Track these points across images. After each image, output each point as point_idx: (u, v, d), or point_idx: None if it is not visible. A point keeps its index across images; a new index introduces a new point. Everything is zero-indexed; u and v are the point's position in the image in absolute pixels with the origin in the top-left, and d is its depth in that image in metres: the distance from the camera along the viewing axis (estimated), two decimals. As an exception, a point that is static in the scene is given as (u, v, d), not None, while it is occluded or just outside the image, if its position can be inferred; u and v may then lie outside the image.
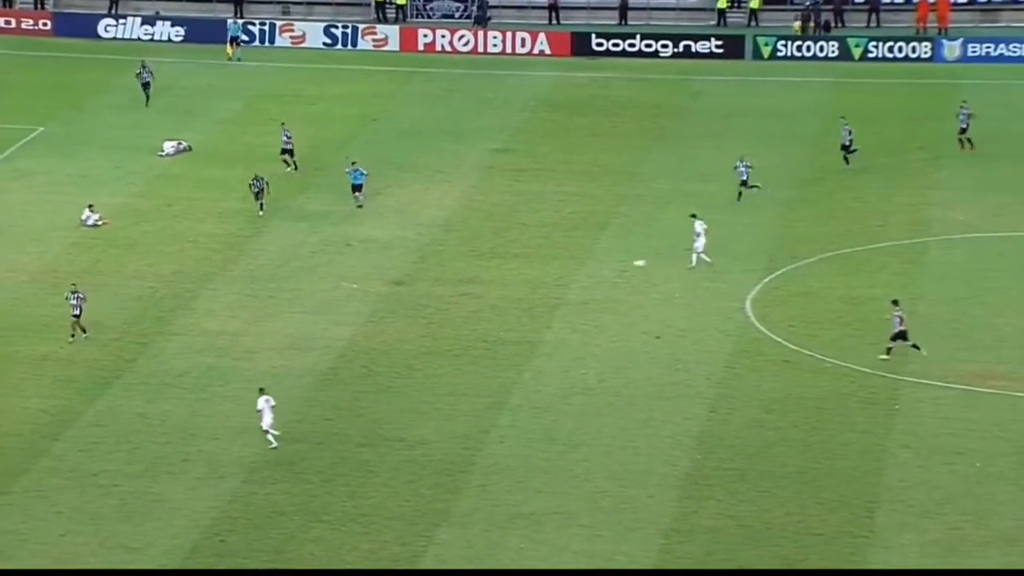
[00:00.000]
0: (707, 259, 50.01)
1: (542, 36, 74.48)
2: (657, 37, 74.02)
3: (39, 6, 76.42)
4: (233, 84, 69.64)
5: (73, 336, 44.53)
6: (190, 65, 71.89)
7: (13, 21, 75.01)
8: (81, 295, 44.77)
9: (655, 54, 73.69)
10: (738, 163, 55.38)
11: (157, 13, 75.73)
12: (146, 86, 64.52)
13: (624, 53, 73.69)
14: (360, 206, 54.69)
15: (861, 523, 36.79)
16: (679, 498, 37.90)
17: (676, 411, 41.96)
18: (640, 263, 42.69)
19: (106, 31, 75.04)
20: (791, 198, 56.72)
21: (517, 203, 56.30)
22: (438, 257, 51.90)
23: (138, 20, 75.18)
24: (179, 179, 58.06)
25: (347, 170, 55.21)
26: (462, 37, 74.79)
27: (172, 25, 75.08)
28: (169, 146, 60.72)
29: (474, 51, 74.45)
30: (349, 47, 74.84)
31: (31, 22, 75.06)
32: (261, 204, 54.08)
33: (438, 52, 74.40)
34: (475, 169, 59.74)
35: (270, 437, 39.63)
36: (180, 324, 46.70)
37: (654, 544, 36.12)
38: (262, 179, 54.42)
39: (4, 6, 76.17)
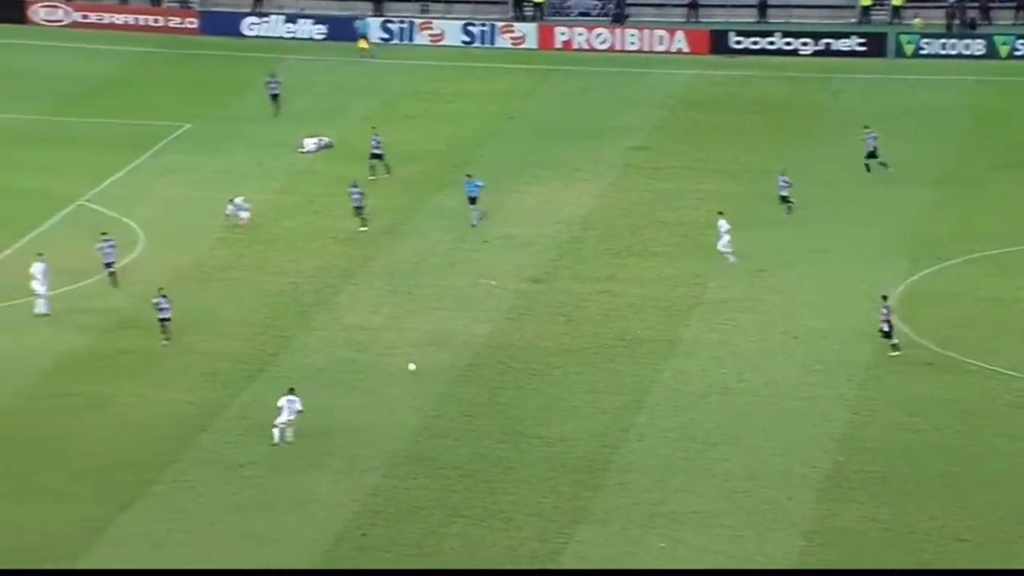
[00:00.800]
0: (731, 258, 49.78)
1: (680, 34, 74.19)
2: (797, 35, 73.30)
3: (186, 5, 77.80)
4: (373, 82, 70.31)
5: (167, 339, 44.67)
6: (331, 63, 72.72)
7: (161, 20, 76.50)
8: (169, 298, 44.84)
9: (795, 52, 72.97)
10: (779, 177, 54.21)
11: (302, 10, 76.65)
12: (275, 97, 64.36)
13: (763, 51, 73.08)
14: (474, 225, 52.96)
15: (1010, 528, 36.13)
16: (820, 500, 37.58)
17: (816, 412, 41.59)
18: (412, 367, 42.60)
19: (250, 29, 76.18)
20: (934, 198, 55.88)
21: (655, 201, 56.15)
22: (576, 255, 51.95)
23: (281, 18, 76.20)
24: (320, 176, 58.74)
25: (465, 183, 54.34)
26: (599, 35, 74.77)
27: (314, 23, 75.98)
28: (310, 143, 61.44)
29: (611, 49, 74.37)
30: (487, 45, 75.16)
31: (178, 20, 76.49)
32: (363, 219, 53.10)
33: (575, 50, 74.43)
34: (613, 167, 59.68)
35: (275, 432, 39.49)
36: (321, 319, 47.26)
37: (794, 546, 35.85)
38: (360, 189, 53.47)
39: (152, 5, 77.67)
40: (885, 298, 44.69)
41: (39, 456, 39.12)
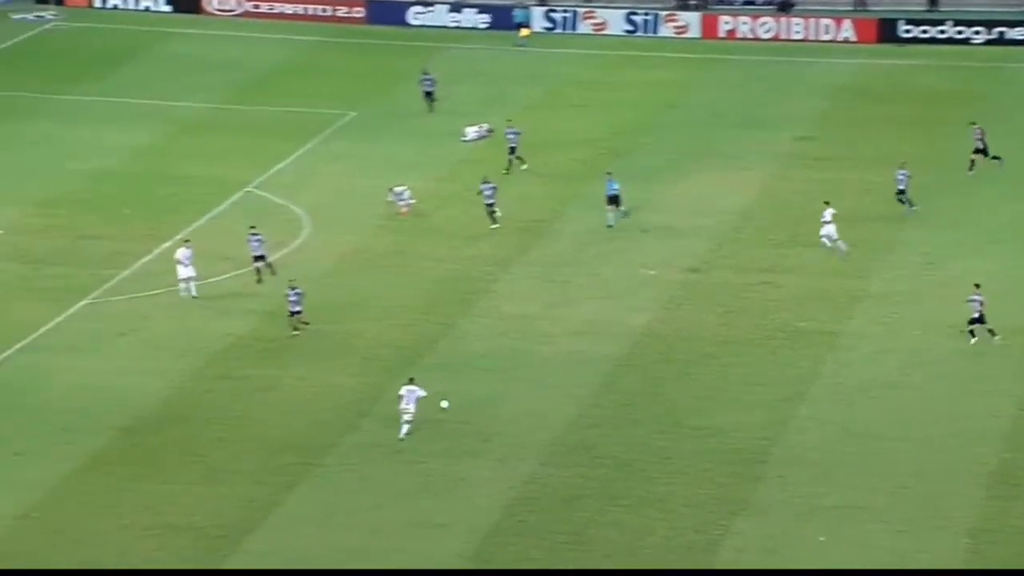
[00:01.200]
0: (839, 245, 49.27)
1: (847, 22, 73.13)
2: (970, 23, 71.80)
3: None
4: (535, 71, 70.53)
5: (296, 330, 44.78)
6: (495, 52, 73.08)
7: (328, 9, 77.53)
8: (299, 291, 44.93)
9: (966, 41, 71.49)
10: (897, 172, 52.98)
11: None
12: (428, 95, 63.75)
13: (933, 40, 71.75)
14: (610, 225, 51.69)
15: None
16: (986, 497, 36.89)
17: (983, 408, 40.80)
18: (444, 404, 40.90)
19: (415, 18, 76.86)
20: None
21: (818, 191, 55.27)
22: (736, 245, 51.57)
23: (445, 7, 76.75)
24: (481, 164, 59.01)
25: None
26: (764, 24, 74.04)
27: (478, 12, 76.42)
28: (472, 131, 61.86)
29: (776, 38, 73.59)
30: (650, 34, 74.99)
31: (345, 10, 77.45)
32: (494, 215, 52.10)
33: (739, 39, 73.82)
34: (775, 157, 59.10)
35: (404, 426, 39.59)
36: (481, 307, 47.59)
37: (960, 544, 35.23)
38: (492, 185, 52.66)
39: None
40: (978, 286, 44.03)
41: (210, 436, 39.99)
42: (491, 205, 52.54)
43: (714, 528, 36.17)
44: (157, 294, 47.67)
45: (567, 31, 75.50)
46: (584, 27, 75.60)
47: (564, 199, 55.70)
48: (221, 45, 73.44)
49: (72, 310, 46.73)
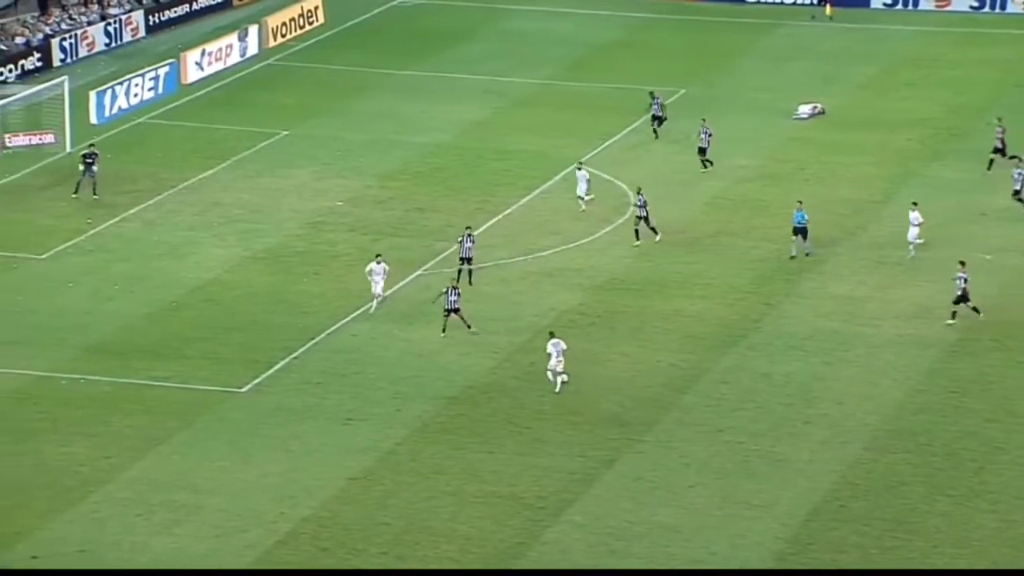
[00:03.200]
0: (911, 250, 47.65)
1: None
2: None
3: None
4: (873, 48, 69.09)
5: (444, 331, 43.66)
6: (829, 29, 71.92)
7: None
8: (459, 289, 43.95)
9: None
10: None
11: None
12: (655, 119, 59.08)
13: None
14: (793, 256, 47.85)
15: None
16: None
17: None
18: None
19: (749, -6, 76.20)
20: None
21: None
22: (1080, 230, 49.54)
23: (778, -15, 75.78)
24: (811, 143, 58.27)
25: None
26: (1123, -3, 70.72)
27: (808, -11, 75.27)
28: (804, 109, 61.04)
29: None
30: (997, 11, 72.72)
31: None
32: (638, 231, 48.84)
33: (1094, 15, 70.76)
34: None
35: (549, 374, 39.83)
36: (806, 287, 46.97)
37: None
38: (644, 198, 49.35)
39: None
40: (962, 264, 43.46)
41: (532, 408, 40.51)
42: (642, 219, 49.37)
43: (1048, 523, 34.94)
44: (485, 267, 48.73)
45: (909, 8, 73.72)
46: (926, 3, 73.66)
47: (898, 179, 54.49)
48: (556, 21, 74.21)
49: (406, 280, 48.19)
